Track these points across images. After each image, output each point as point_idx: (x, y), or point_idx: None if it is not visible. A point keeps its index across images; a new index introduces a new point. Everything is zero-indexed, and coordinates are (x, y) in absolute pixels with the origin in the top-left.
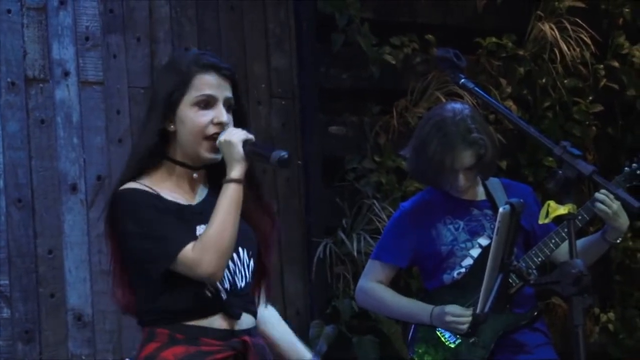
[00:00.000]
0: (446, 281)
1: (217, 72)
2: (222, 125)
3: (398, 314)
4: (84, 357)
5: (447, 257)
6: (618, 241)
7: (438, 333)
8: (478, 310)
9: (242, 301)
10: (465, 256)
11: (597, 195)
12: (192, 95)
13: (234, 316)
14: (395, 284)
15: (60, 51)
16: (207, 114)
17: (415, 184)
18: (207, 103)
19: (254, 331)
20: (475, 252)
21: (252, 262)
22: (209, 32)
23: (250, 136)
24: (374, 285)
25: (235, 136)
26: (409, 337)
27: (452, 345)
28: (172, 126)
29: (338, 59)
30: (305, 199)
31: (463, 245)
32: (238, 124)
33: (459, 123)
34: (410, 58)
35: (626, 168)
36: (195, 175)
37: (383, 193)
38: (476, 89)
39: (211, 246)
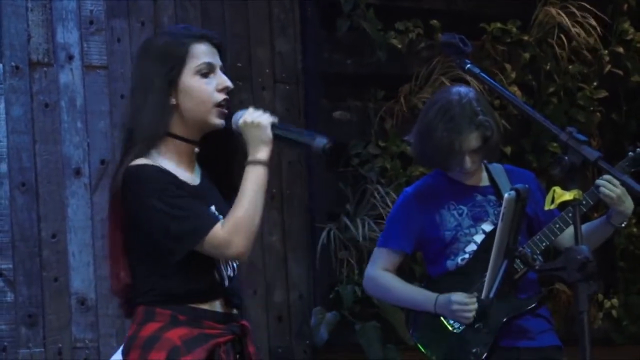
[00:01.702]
0: (450, 267)
1: (209, 40)
2: (226, 90)
3: (404, 302)
4: (87, 341)
5: (450, 243)
6: (623, 225)
7: (442, 319)
8: (483, 296)
9: (238, 287)
10: (469, 242)
11: (600, 180)
12: (192, 65)
13: (233, 303)
14: (399, 270)
15: (65, 35)
16: (210, 81)
17: (420, 169)
18: (207, 71)
19: (243, 315)
20: (479, 238)
21: None
22: (213, 17)
23: (275, 119)
24: (382, 273)
25: (263, 118)
26: (413, 323)
27: (457, 331)
28: (173, 100)
29: (342, 44)
30: (309, 184)
31: (467, 231)
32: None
33: (465, 106)
34: (414, 43)
35: (630, 153)
36: (196, 149)
37: (387, 178)
38: (482, 74)
39: (243, 227)
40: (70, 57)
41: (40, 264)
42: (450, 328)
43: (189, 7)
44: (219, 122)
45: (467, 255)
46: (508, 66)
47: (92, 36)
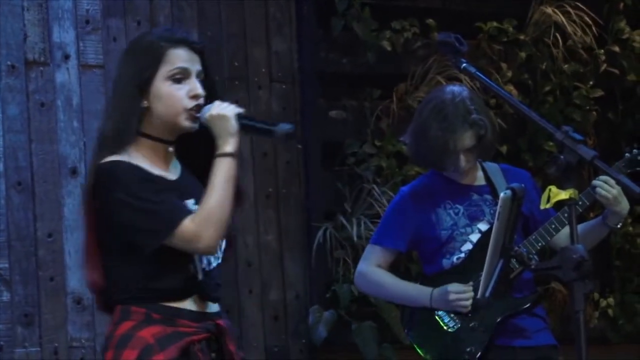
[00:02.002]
0: (445, 266)
1: (188, 45)
2: (197, 97)
3: (397, 297)
4: (83, 341)
5: (446, 242)
6: (619, 226)
7: (437, 318)
8: (479, 295)
9: (214, 283)
10: (464, 241)
11: (596, 181)
12: (165, 69)
13: (208, 299)
14: (395, 269)
15: (61, 34)
16: (182, 87)
17: (415, 168)
18: (181, 77)
19: (222, 314)
20: (475, 237)
21: (224, 243)
22: (209, 16)
23: (242, 110)
24: (374, 269)
25: (228, 110)
26: (407, 322)
27: (451, 330)
28: (145, 102)
29: (338, 43)
30: (305, 183)
31: (463, 230)
32: (209, 97)
33: (459, 104)
34: (410, 42)
35: (627, 154)
36: (170, 149)
37: (383, 177)
38: (477, 73)
39: (211, 220)
40: (67, 57)
41: (37, 263)
42: (445, 327)
43: (185, 6)
44: (189, 124)
45: (462, 255)
46: (504, 65)
47: (88, 35)
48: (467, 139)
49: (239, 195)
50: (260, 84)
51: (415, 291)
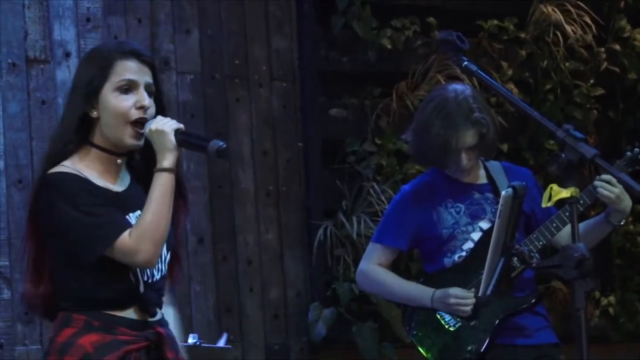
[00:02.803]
0: (447, 264)
1: (137, 58)
2: (144, 109)
3: (398, 296)
4: None
5: (448, 240)
6: (622, 223)
7: (438, 316)
8: (480, 294)
9: (156, 295)
10: (466, 240)
11: (599, 179)
12: (113, 80)
13: (148, 312)
14: (395, 267)
15: (62, 32)
16: (129, 98)
17: (416, 167)
18: (128, 88)
19: (164, 322)
20: (476, 235)
21: (169, 255)
22: (209, 14)
23: (181, 125)
24: (375, 268)
25: (167, 125)
26: (408, 321)
27: (452, 329)
28: (94, 112)
29: (339, 41)
30: (305, 181)
31: (464, 229)
32: (159, 111)
33: (461, 103)
34: (411, 41)
35: (628, 152)
36: (119, 161)
37: (383, 176)
38: (478, 71)
39: (148, 234)
40: (67, 54)
41: None
42: (446, 326)
43: (185, 4)
44: (133, 142)
45: (464, 253)
46: (505, 64)
47: (89, 33)
48: (469, 137)
49: (184, 203)
50: (260, 82)
51: (417, 291)
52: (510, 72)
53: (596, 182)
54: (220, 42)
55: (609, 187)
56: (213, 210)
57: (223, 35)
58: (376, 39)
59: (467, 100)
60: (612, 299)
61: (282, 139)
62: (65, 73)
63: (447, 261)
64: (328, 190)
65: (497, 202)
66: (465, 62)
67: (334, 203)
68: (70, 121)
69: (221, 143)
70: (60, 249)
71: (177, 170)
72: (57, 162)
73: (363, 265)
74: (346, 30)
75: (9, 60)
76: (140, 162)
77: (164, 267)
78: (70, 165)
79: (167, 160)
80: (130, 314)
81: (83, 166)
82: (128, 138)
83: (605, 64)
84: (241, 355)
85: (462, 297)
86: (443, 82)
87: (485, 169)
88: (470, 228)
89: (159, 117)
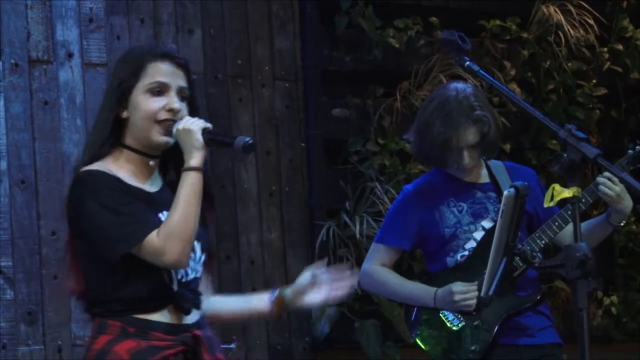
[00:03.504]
0: (449, 264)
1: (171, 60)
2: (173, 112)
3: (401, 296)
4: (86, 339)
5: (450, 239)
6: (622, 224)
7: (441, 316)
8: (482, 293)
9: (191, 295)
10: (468, 239)
11: (601, 178)
12: (145, 82)
13: (183, 310)
14: (398, 267)
15: (64, 32)
16: (160, 100)
17: (419, 166)
18: (159, 90)
19: (202, 323)
20: (479, 235)
21: (204, 256)
22: (212, 14)
23: (209, 125)
24: (378, 268)
25: (194, 124)
26: (412, 320)
27: (455, 328)
28: (125, 113)
29: (341, 41)
30: (308, 181)
31: (466, 228)
32: (190, 113)
33: (462, 101)
34: (413, 40)
35: (629, 151)
36: (151, 163)
37: (386, 175)
38: (481, 71)
39: (176, 234)
40: (70, 55)
41: (40, 261)
42: (450, 325)
43: (188, 4)
44: (161, 139)
45: (466, 252)
46: (507, 63)
47: (92, 34)
48: (471, 135)
49: (212, 204)
50: (263, 82)
51: (419, 291)
52: (512, 72)
53: (598, 179)
54: (223, 41)
55: (610, 185)
56: (216, 209)
57: (226, 35)
58: (382, 38)
59: (468, 98)
60: (614, 298)
61: (285, 139)
62: (68, 73)
63: (450, 261)
64: (331, 190)
65: (500, 202)
66: (468, 62)
67: (337, 203)
68: (104, 123)
69: (247, 139)
70: (89, 249)
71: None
72: (89, 163)
73: (366, 266)
74: (349, 30)
75: (12, 61)
76: (172, 169)
77: (198, 267)
78: (101, 165)
79: (195, 159)
80: (164, 315)
81: (115, 167)
82: (157, 135)
83: (607, 64)
84: (244, 355)
85: (465, 291)
86: (446, 81)
87: (488, 168)
88: (472, 227)
89: (187, 117)
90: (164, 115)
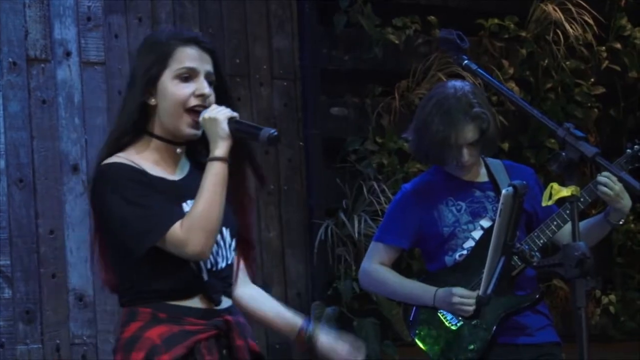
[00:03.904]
0: (448, 263)
1: (198, 45)
2: (203, 97)
3: (401, 295)
4: (85, 338)
5: (448, 238)
6: (621, 223)
7: (440, 315)
8: (481, 293)
9: (222, 283)
10: (467, 238)
11: (599, 177)
12: (173, 68)
13: (213, 301)
14: (396, 266)
15: (62, 31)
16: (189, 86)
17: (417, 165)
18: (188, 76)
19: (233, 309)
20: (477, 234)
21: (233, 242)
22: (210, 13)
23: (235, 114)
24: (377, 267)
25: (220, 113)
26: (411, 319)
27: (454, 328)
28: (153, 100)
29: (340, 40)
30: (306, 180)
31: (465, 227)
32: (220, 100)
33: (461, 98)
34: (412, 39)
35: (628, 150)
36: (178, 150)
37: (385, 174)
38: (479, 70)
39: (199, 225)
40: (68, 54)
41: (38, 260)
42: (448, 324)
43: (186, 3)
44: (190, 131)
45: (465, 252)
46: (505, 62)
47: (90, 32)
48: (470, 132)
49: (248, 193)
50: (261, 81)
51: (419, 290)
52: (511, 71)
53: (598, 179)
54: (221, 41)
55: (610, 183)
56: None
57: (224, 34)
58: (382, 35)
59: (467, 95)
60: (613, 297)
61: (284, 138)
62: (66, 72)
63: (449, 260)
64: (329, 189)
65: (498, 201)
66: (466, 61)
67: (335, 202)
68: (130, 111)
69: (272, 131)
70: (115, 242)
71: (251, 156)
72: (112, 154)
73: (365, 265)
74: (347, 29)
75: (10, 59)
76: (201, 151)
77: (229, 254)
78: (125, 156)
79: (220, 149)
80: (195, 302)
81: (139, 157)
82: (186, 127)
83: (606, 63)
84: None
85: (466, 296)
86: (444, 80)
87: (486, 167)
88: (471, 226)
89: (213, 106)
90: (194, 102)
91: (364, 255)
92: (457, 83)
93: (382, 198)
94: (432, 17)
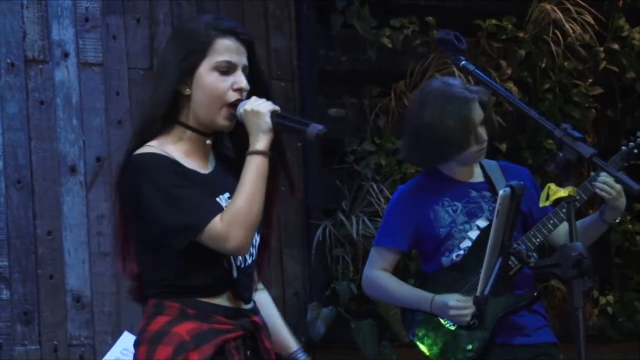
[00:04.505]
0: (445, 264)
1: (236, 36)
2: (241, 92)
3: (399, 302)
4: (82, 339)
5: (445, 239)
6: (617, 221)
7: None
8: (478, 293)
9: (249, 280)
10: (463, 238)
11: (600, 177)
12: (212, 59)
13: (242, 298)
14: (394, 267)
15: (60, 32)
16: (227, 79)
17: (415, 166)
18: (227, 70)
19: (257, 309)
20: (474, 234)
21: (258, 238)
22: (208, 13)
23: (277, 107)
24: (378, 274)
25: (263, 106)
26: (409, 320)
27: (452, 328)
28: (187, 90)
29: (337, 41)
30: (304, 181)
31: (461, 228)
32: (258, 92)
33: (454, 82)
34: (409, 40)
35: (623, 147)
36: (208, 141)
37: (383, 175)
38: (477, 71)
39: (240, 220)
40: (66, 54)
41: (36, 261)
42: (446, 325)
43: (184, 3)
44: (225, 123)
45: (461, 252)
46: (503, 63)
47: (88, 33)
48: (478, 109)
49: (277, 188)
50: None
51: (416, 297)
52: (509, 71)
53: (599, 179)
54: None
55: (610, 182)
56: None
57: None
58: (376, 38)
59: (455, 79)
60: (610, 298)
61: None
62: (64, 73)
63: (445, 260)
64: (327, 190)
65: (494, 201)
66: (464, 62)
67: (333, 203)
68: (162, 98)
69: (320, 127)
70: (147, 235)
71: (283, 156)
72: (144, 141)
73: (367, 271)
74: (345, 30)
75: (8, 60)
76: (228, 144)
77: (254, 251)
78: (157, 146)
79: (261, 142)
80: (224, 300)
81: (171, 147)
82: (221, 119)
83: (604, 63)
84: None
85: (461, 307)
86: None
87: (482, 167)
88: (467, 227)
89: (254, 98)
90: (233, 97)
91: (362, 256)
92: (443, 78)
93: (381, 199)
94: (430, 18)
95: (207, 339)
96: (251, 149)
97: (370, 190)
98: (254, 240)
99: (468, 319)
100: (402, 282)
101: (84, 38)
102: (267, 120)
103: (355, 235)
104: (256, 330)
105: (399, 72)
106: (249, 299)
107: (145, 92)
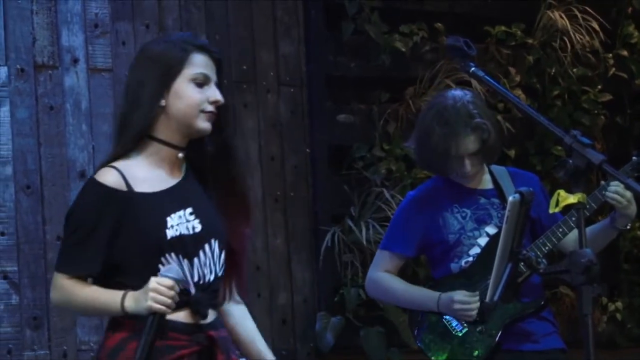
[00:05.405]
0: (454, 270)
1: (209, 53)
2: (217, 104)
3: (405, 302)
4: (92, 344)
5: (454, 245)
6: (628, 227)
7: (445, 322)
8: (487, 299)
9: (209, 297)
10: (472, 245)
11: (611, 186)
12: (190, 71)
13: (200, 315)
14: (402, 273)
15: (70, 38)
16: (202, 92)
17: (424, 171)
18: (202, 82)
19: (218, 323)
20: (483, 240)
21: (222, 254)
22: (217, 19)
23: (167, 309)
24: (383, 275)
25: (152, 299)
26: (416, 326)
27: (459, 334)
28: (163, 101)
29: (346, 47)
30: (313, 187)
31: (470, 234)
32: (219, 108)
33: (460, 109)
34: (419, 46)
35: (634, 157)
36: (180, 155)
37: (392, 181)
38: (486, 77)
39: (64, 300)
40: (75, 60)
41: (45, 266)
42: (453, 331)
43: (193, 9)
44: (205, 125)
45: (471, 258)
46: (512, 69)
47: (97, 39)
48: (470, 143)
49: (245, 206)
50: (268, 88)
51: (423, 296)
52: (518, 78)
53: (609, 188)
54: (227, 47)
55: (620, 190)
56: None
57: (230, 41)
58: (388, 43)
59: (466, 106)
60: (619, 304)
61: (290, 145)
62: (73, 79)
63: (454, 266)
64: (336, 196)
65: (504, 207)
66: (473, 68)
67: (342, 208)
68: (147, 111)
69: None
70: None
71: (235, 170)
72: (117, 157)
73: (371, 273)
74: (354, 36)
75: (17, 66)
76: (198, 157)
77: (217, 268)
78: (121, 168)
79: (129, 304)
80: (181, 317)
81: (142, 160)
82: (200, 122)
83: (612, 70)
84: None
85: (467, 302)
86: (453, 86)
87: (491, 174)
88: (476, 233)
89: (168, 268)
90: (209, 108)
91: (371, 262)
92: (457, 92)
93: (392, 203)
94: (439, 24)
95: (161, 355)
96: (126, 302)
97: (381, 196)
98: (217, 256)
99: (473, 314)
100: (406, 282)
101: (93, 44)
102: (148, 305)
103: (364, 242)
104: (212, 345)
105: (408, 78)
106: (206, 315)
107: (119, 110)
